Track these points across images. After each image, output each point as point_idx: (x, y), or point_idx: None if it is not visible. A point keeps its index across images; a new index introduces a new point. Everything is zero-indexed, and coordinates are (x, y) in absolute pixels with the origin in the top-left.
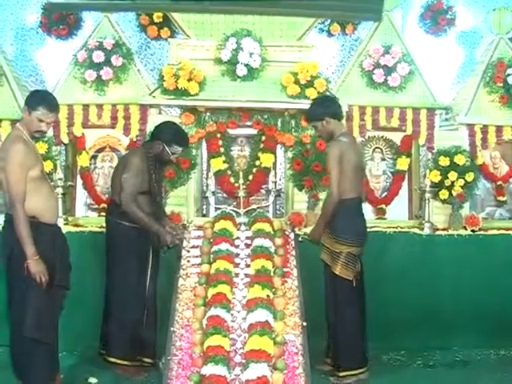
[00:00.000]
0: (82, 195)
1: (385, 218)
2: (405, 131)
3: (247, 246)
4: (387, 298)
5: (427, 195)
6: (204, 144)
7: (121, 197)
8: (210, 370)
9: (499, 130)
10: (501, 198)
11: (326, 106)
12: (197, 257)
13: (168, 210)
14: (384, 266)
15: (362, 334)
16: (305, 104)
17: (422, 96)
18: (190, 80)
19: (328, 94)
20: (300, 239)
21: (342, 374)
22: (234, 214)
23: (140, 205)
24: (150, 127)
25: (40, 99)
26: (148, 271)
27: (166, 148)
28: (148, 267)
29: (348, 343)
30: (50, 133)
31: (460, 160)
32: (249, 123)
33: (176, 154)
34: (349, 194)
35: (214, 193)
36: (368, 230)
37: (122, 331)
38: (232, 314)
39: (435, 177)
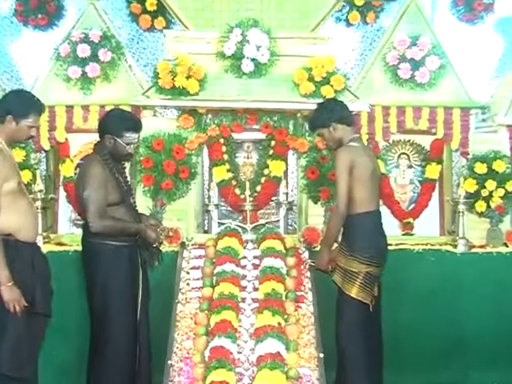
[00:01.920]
0: (65, 209)
1: (412, 234)
2: (435, 134)
3: (255, 266)
4: (416, 326)
5: (461, 207)
6: (205, 150)
7: (87, 219)
8: None
9: None
10: None
11: (330, 111)
12: (197, 279)
13: (165, 225)
14: (412, 289)
15: (376, 366)
16: None
17: (455, 93)
18: (188, 77)
19: (346, 94)
20: (307, 266)
21: None
22: (239, 229)
23: (119, 218)
24: (143, 131)
25: (29, 106)
26: (138, 297)
27: (118, 140)
28: (138, 293)
29: (359, 376)
30: None
31: (499, 167)
32: (256, 126)
33: (132, 144)
34: (367, 207)
35: (217, 206)
36: (393, 247)
37: (112, 370)
38: (238, 345)
39: (470, 186)
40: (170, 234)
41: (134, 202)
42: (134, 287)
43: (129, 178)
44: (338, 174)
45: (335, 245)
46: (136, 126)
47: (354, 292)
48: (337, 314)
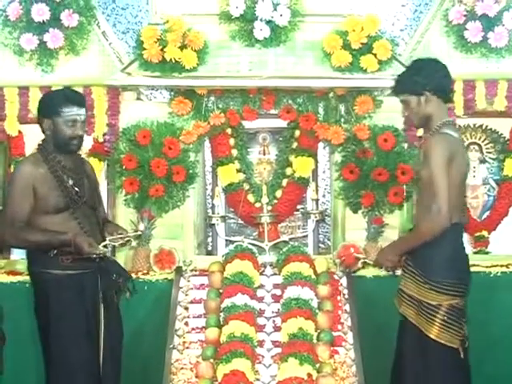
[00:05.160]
0: None
1: (487, 252)
2: None
3: (276, 298)
4: (498, 377)
5: None
6: (207, 144)
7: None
8: None
9: None
10: None
11: (429, 75)
12: (199, 317)
13: (155, 245)
14: (490, 327)
15: None
16: (359, 80)
17: None
18: (183, 47)
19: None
20: (360, 264)
21: None
22: (254, 249)
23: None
24: (124, 120)
25: None
26: (100, 336)
27: (58, 120)
28: (100, 330)
29: None
30: None
31: None
32: (274, 111)
33: (76, 121)
34: (453, 217)
35: (223, 218)
36: None
37: None
38: None
39: None
40: (133, 243)
41: (95, 209)
42: (89, 330)
43: (96, 179)
44: (438, 173)
45: None
46: (73, 97)
47: (434, 333)
48: (417, 365)
